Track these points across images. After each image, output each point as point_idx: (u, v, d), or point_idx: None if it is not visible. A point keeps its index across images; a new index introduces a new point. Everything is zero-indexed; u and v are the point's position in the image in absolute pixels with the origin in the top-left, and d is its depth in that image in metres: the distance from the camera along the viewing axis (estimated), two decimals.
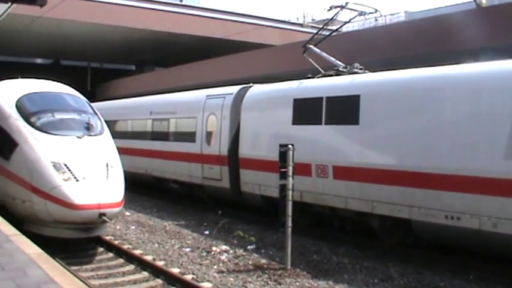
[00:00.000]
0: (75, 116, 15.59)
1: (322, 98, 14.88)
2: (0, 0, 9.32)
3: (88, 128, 14.89)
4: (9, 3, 11.34)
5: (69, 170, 13.12)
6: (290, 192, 12.25)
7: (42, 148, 13.66)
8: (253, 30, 41.59)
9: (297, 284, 11.38)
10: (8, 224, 12.08)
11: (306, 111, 15.41)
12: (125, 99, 30.62)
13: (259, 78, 22.51)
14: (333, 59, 17.05)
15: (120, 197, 13.61)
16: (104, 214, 12.73)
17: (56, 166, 13.16)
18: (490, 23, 20.29)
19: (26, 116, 14.66)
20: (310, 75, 16.47)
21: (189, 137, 20.51)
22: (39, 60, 55.55)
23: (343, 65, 16.47)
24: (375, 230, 14.04)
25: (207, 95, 20.42)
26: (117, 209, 13.54)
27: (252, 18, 45.21)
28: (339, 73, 16.05)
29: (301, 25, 50.05)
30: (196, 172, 19.97)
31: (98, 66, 55.66)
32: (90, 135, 14.64)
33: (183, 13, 41.40)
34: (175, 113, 22.11)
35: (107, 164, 13.88)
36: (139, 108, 25.94)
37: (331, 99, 14.71)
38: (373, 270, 12.27)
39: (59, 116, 15.19)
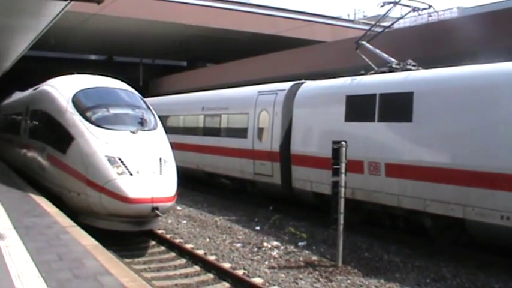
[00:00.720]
0: (129, 111, 15.69)
1: (375, 94, 14.76)
2: None
3: (142, 123, 14.94)
4: (68, 1, 11.57)
5: (123, 164, 13.24)
6: (342, 189, 12.21)
7: (97, 142, 13.82)
8: (305, 26, 41.49)
9: (348, 281, 11.33)
10: (65, 215, 12.40)
11: (359, 108, 15.31)
12: (176, 95, 30.89)
13: (310, 75, 22.48)
14: (385, 55, 16.92)
15: (173, 192, 13.68)
16: (156, 208, 12.78)
17: (111, 160, 13.30)
18: None
19: (82, 111, 14.87)
20: (363, 72, 16.36)
21: (241, 132, 20.59)
22: (93, 57, 56.44)
23: (396, 61, 16.32)
24: (427, 229, 13.88)
25: (259, 91, 20.46)
26: (169, 204, 13.63)
27: (303, 14, 45.15)
28: (392, 70, 15.90)
29: (352, 21, 49.79)
30: (248, 168, 20.05)
31: (150, 63, 56.15)
32: (144, 130, 14.70)
33: (235, 10, 41.54)
34: (227, 108, 22.21)
35: (160, 159, 13.93)
36: (192, 104, 26.13)
37: (384, 96, 14.58)
38: (425, 270, 12.14)
39: (113, 110, 15.32)
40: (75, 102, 15.25)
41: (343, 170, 12.15)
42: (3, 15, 14.94)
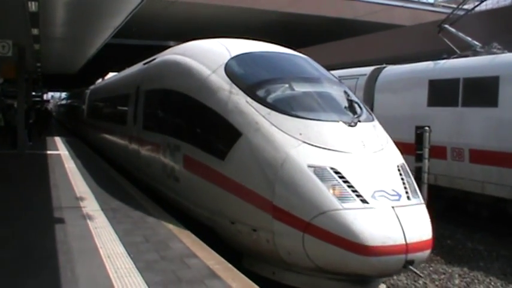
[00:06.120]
0: (325, 88, 9.71)
1: (459, 79, 14.50)
2: None
3: (353, 109, 9.08)
4: None
5: (346, 182, 7.48)
6: (426, 175, 12.05)
7: (288, 141, 8.07)
8: (384, 10, 41.01)
9: (431, 269, 11.21)
10: (148, 199, 12.28)
11: (442, 92, 15.08)
12: None
13: (390, 59, 22.19)
14: (469, 38, 16.59)
15: (430, 228, 7.79)
16: (411, 262, 7.24)
17: (320, 174, 7.56)
18: None
19: (248, 88, 9.16)
20: (445, 56, 16.08)
21: None
22: (172, 43, 57.19)
23: (480, 44, 15.97)
24: None
25: (339, 76, 20.20)
26: (428, 251, 7.72)
27: None
28: (476, 53, 15.57)
29: (431, 4, 48.91)
30: None
31: None
32: (361, 122, 8.79)
33: None
34: None
35: (399, 169, 8.27)
36: None
37: (468, 80, 14.30)
38: (510, 259, 11.89)
39: (302, 88, 9.43)
40: (232, 73, 9.66)
41: (426, 156, 12.00)
42: (89, 2, 15.25)
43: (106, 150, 21.52)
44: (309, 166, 7.62)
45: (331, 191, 7.33)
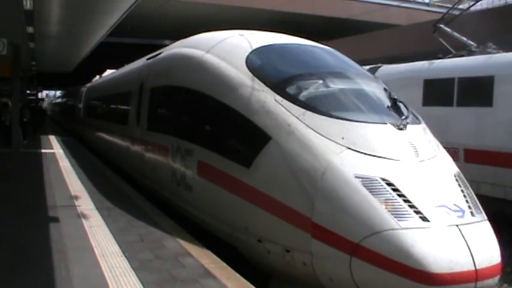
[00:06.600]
0: (364, 86, 8.69)
1: (453, 78, 14.52)
2: None
3: (398, 109, 8.11)
4: None
5: (401, 196, 6.38)
6: None
7: (330, 147, 6.96)
8: (379, 10, 41.00)
9: None
10: (145, 199, 12.17)
11: (437, 92, 15.10)
12: None
13: (385, 59, 22.19)
14: (464, 38, 16.61)
15: (498, 250, 6.65)
16: None
17: (369, 186, 6.44)
18: None
19: (275, 84, 8.04)
20: (440, 56, 16.10)
21: None
22: (167, 42, 57.08)
23: (475, 44, 15.99)
24: (508, 217, 13.58)
25: None
26: (498, 277, 6.53)
27: None
28: (471, 53, 15.59)
29: (427, 4, 49.00)
30: None
31: None
32: (409, 124, 7.72)
33: None
34: None
35: (457, 179, 7.25)
36: None
37: (463, 80, 14.33)
38: (505, 258, 11.84)
39: (338, 84, 8.26)
40: (256, 68, 8.55)
41: None
42: (84, 0, 15.20)
43: (104, 151, 20.68)
44: (356, 177, 6.50)
45: (384, 206, 6.22)
